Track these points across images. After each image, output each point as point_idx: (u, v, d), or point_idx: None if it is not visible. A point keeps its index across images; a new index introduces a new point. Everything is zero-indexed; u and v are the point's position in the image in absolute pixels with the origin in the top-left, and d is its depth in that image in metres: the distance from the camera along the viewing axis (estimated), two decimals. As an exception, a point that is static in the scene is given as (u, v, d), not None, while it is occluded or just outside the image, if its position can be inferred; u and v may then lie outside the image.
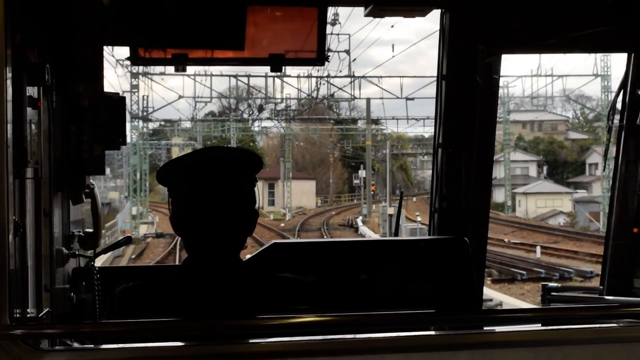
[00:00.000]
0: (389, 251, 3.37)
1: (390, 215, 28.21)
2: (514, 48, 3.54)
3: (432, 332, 2.21)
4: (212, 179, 2.41)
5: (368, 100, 35.01)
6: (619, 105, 3.63)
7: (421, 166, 54.04)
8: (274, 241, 3.30)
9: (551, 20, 3.31)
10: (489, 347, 2.13)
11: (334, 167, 45.11)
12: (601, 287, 3.57)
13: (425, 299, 3.22)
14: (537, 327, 2.20)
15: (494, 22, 3.34)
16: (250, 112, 39.43)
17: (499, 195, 39.29)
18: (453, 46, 3.39)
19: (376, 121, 39.43)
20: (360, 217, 36.73)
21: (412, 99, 31.50)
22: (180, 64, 3.12)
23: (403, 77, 33.46)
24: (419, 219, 25.10)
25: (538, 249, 23.70)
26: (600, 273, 3.70)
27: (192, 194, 2.39)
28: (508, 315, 2.64)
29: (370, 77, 30.38)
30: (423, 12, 3.18)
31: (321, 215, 41.92)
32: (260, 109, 37.93)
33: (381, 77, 32.26)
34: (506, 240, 27.05)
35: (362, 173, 41.41)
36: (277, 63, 3.14)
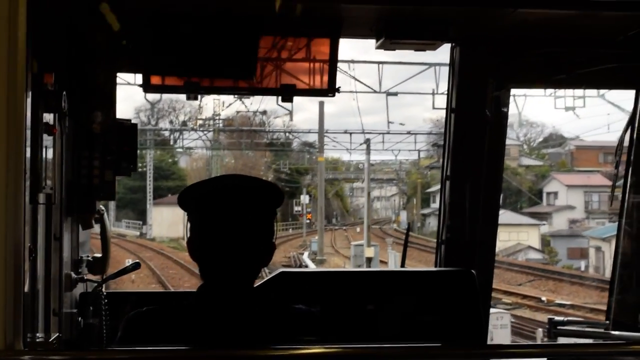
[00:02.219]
0: (396, 282, 3.42)
1: (369, 259, 22.65)
2: (523, 82, 3.63)
3: None
4: (233, 208, 2.44)
5: (321, 103, 27.91)
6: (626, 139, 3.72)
7: (354, 193, 49.86)
8: (281, 270, 3.35)
9: (560, 56, 3.41)
10: None
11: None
12: (607, 321, 3.62)
13: (432, 331, 3.26)
14: None
15: (503, 57, 3.44)
16: (172, 129, 35.17)
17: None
18: (462, 80, 3.48)
19: (311, 144, 36.42)
20: (307, 254, 30.55)
21: (395, 94, 24.29)
22: (192, 92, 3.20)
23: (382, 63, 23.52)
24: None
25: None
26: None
27: (211, 221, 2.42)
28: (514, 351, 2.68)
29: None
30: (434, 46, 3.27)
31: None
32: (184, 124, 34.08)
33: (352, 61, 22.56)
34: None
35: (304, 199, 38.40)
36: (288, 94, 3.23)
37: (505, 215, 33.64)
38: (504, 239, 32.22)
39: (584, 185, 37.83)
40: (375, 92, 23.01)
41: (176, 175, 37.54)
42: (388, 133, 29.42)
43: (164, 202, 35.30)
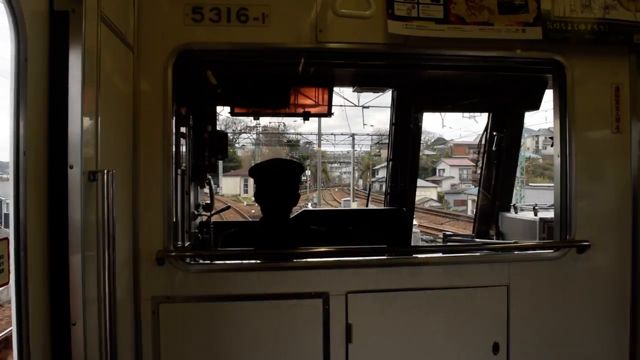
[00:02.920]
0: (364, 214, 5.79)
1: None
2: (428, 109, 5.98)
3: (385, 257, 3.57)
4: (278, 175, 3.76)
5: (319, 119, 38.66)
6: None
7: (333, 170, 68.95)
8: (304, 209, 5.64)
9: (449, 94, 5.62)
10: (417, 265, 3.51)
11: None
12: (473, 234, 6.20)
13: (383, 240, 5.17)
14: (441, 255, 3.72)
15: (418, 95, 5.64)
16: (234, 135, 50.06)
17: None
18: (398, 108, 5.87)
19: (309, 142, 53.14)
20: (310, 204, 40.35)
21: (368, 107, 33.69)
22: (256, 116, 5.50)
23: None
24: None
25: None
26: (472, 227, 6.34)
27: (267, 182, 3.77)
28: (426, 247, 4.83)
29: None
30: (384, 90, 5.67)
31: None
32: (240, 133, 48.47)
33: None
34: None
35: (307, 172, 54.00)
36: (306, 116, 5.55)
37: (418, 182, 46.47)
38: (419, 195, 43.08)
39: (459, 165, 59.55)
40: (355, 105, 32.22)
41: (236, 159, 57.90)
42: (353, 135, 40.97)
43: (229, 174, 53.67)
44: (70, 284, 2.19)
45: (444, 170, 61.21)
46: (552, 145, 3.76)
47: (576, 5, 3.48)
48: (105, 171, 2.28)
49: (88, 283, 2.25)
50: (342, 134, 47.00)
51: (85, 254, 2.21)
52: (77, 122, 2.16)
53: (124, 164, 3.02)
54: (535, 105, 5.53)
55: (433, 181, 57.05)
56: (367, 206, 6.38)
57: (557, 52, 3.55)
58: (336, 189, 56.95)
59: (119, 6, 2.90)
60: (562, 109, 3.61)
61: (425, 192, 49.15)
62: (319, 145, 38.44)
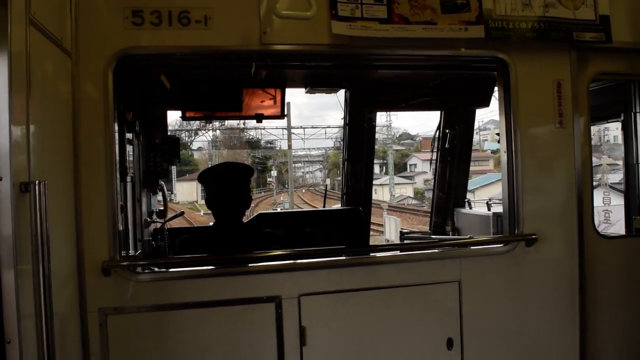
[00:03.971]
0: (321, 215, 5.81)
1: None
2: (381, 109, 6.04)
3: (343, 257, 3.60)
4: (228, 179, 3.78)
5: (288, 104, 36.43)
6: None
7: (296, 170, 67.29)
8: (260, 212, 5.66)
9: (401, 93, 5.67)
10: (370, 264, 3.52)
11: (248, 170, 52.45)
12: (430, 230, 6.27)
13: (340, 240, 5.30)
14: (398, 252, 3.73)
15: (371, 95, 5.70)
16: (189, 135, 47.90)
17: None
18: (351, 108, 5.89)
19: (271, 142, 52.12)
20: (279, 209, 39.14)
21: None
22: (208, 119, 5.43)
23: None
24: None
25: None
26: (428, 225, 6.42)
27: (218, 187, 3.76)
28: (382, 247, 4.96)
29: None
30: (336, 91, 5.67)
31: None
32: (196, 133, 46.61)
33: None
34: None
35: (274, 173, 54.54)
36: (259, 118, 5.50)
37: (392, 178, 45.79)
38: (395, 194, 44.13)
39: (431, 159, 55.42)
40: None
41: (192, 162, 54.88)
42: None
43: (184, 179, 48.96)
44: (4, 299, 2.10)
45: (415, 165, 59.28)
46: (498, 142, 3.82)
47: (517, 4, 3.55)
48: (37, 182, 2.20)
49: (23, 298, 2.16)
50: (312, 127, 46.50)
51: (19, 268, 2.12)
52: (4, 131, 2.07)
53: (64, 172, 2.94)
54: (485, 102, 5.65)
55: (405, 177, 55.59)
56: (324, 205, 6.42)
57: (500, 50, 3.61)
58: (303, 190, 55.46)
59: (54, 11, 2.80)
60: (507, 105, 3.68)
61: (401, 189, 47.81)
62: (289, 140, 36.34)
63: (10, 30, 2.11)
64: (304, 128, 44.80)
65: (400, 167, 59.54)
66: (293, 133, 39.09)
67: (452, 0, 3.44)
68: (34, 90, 2.33)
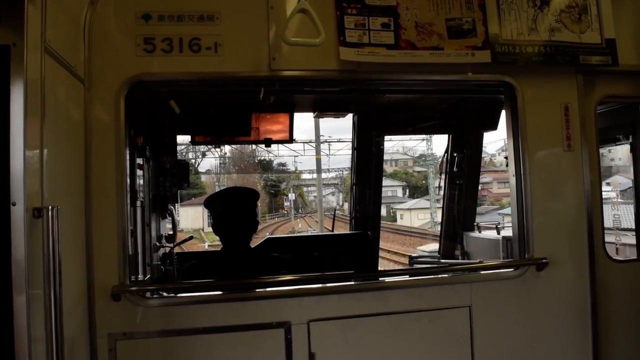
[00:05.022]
0: (329, 240, 5.77)
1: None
2: (389, 132, 6.06)
3: (353, 282, 3.54)
4: (234, 204, 3.77)
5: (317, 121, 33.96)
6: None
7: (310, 193, 66.51)
8: (268, 236, 5.64)
9: (409, 117, 5.69)
10: (380, 289, 3.45)
11: (261, 194, 50.32)
12: (439, 254, 6.23)
13: (349, 265, 5.23)
14: (407, 277, 3.67)
15: (379, 119, 5.70)
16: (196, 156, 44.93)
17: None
18: (359, 132, 5.92)
19: (283, 164, 49.85)
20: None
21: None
22: (217, 144, 5.47)
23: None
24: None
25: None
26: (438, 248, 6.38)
27: (224, 212, 3.76)
28: (392, 272, 4.74)
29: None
30: (344, 115, 5.68)
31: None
32: (204, 154, 43.78)
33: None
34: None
35: (291, 196, 51.43)
36: (268, 143, 5.52)
37: (419, 202, 44.57)
38: (422, 218, 41.24)
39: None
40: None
41: (199, 185, 50.54)
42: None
43: (189, 203, 43.00)
44: (15, 324, 2.11)
45: (440, 187, 57.88)
46: (507, 165, 3.82)
47: (523, 29, 3.58)
48: (50, 207, 2.22)
49: (34, 322, 2.17)
50: (340, 141, 38.77)
51: (30, 292, 2.14)
52: (19, 157, 2.10)
53: (76, 197, 2.96)
54: (493, 125, 5.65)
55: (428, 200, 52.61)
56: (332, 230, 6.40)
57: (507, 73, 3.64)
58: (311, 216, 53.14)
59: (68, 39, 2.87)
60: (515, 128, 3.69)
61: (425, 214, 43.23)
62: (318, 154, 32.28)
63: (26, 58, 2.16)
64: (329, 142, 39.33)
65: (423, 190, 57.69)
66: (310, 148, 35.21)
67: (459, 26, 3.48)
68: (47, 116, 2.38)
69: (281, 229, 40.41)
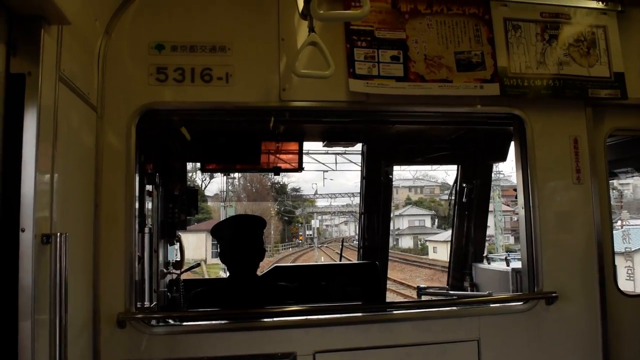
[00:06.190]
0: (336, 269, 5.75)
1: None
2: (398, 162, 6.09)
3: (360, 314, 3.50)
4: (241, 232, 3.79)
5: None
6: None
7: (324, 222, 64.61)
8: (275, 265, 5.63)
9: (418, 147, 5.73)
10: (390, 321, 3.41)
11: (273, 220, 49.53)
12: (447, 286, 6.16)
13: (356, 295, 5.23)
14: (415, 309, 3.65)
15: (388, 149, 5.74)
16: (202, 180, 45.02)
17: (407, 242, 45.87)
18: (368, 161, 5.94)
19: (298, 191, 48.33)
20: None
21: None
22: (227, 172, 5.50)
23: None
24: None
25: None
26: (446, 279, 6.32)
27: (231, 240, 3.78)
28: (400, 304, 4.78)
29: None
30: (354, 144, 5.71)
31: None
32: (212, 176, 43.67)
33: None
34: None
35: (314, 223, 50.27)
36: (277, 171, 5.58)
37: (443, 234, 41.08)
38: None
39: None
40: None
41: (204, 210, 47.17)
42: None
43: (192, 229, 36.61)
44: (19, 349, 2.11)
45: None
46: (516, 198, 3.80)
47: (531, 62, 3.61)
48: (59, 234, 2.23)
49: (39, 348, 2.17)
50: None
51: (36, 318, 2.14)
52: (30, 184, 2.13)
53: (84, 223, 2.97)
54: (502, 156, 5.65)
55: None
56: (340, 259, 6.37)
57: (516, 106, 3.65)
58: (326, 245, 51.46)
59: (82, 67, 2.92)
60: (524, 161, 3.69)
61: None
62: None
63: (40, 86, 2.20)
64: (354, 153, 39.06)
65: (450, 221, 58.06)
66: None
67: (468, 59, 3.51)
68: (59, 143, 2.41)
69: (300, 261, 37.99)
